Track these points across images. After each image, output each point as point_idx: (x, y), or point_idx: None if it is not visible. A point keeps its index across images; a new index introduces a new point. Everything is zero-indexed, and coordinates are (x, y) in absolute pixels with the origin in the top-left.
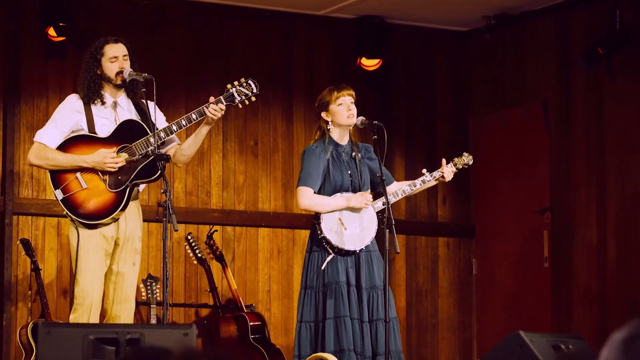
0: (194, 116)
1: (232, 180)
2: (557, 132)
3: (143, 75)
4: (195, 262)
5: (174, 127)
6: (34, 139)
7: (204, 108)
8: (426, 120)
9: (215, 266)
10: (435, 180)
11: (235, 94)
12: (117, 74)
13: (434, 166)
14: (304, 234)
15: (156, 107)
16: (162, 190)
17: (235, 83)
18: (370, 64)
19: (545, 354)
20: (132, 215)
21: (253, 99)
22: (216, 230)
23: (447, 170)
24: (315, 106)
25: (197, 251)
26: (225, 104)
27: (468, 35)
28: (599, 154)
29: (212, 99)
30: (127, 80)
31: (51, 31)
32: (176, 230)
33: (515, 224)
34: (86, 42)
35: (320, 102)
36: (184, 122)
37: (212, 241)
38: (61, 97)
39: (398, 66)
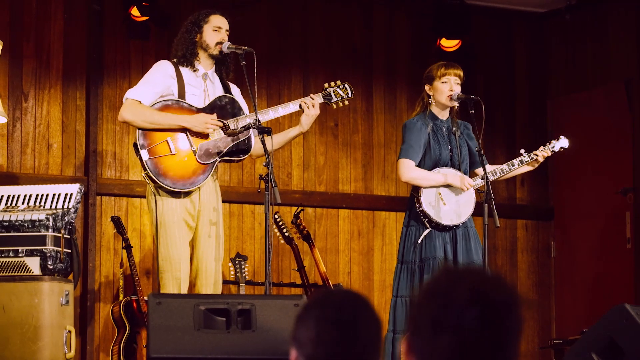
0: (291, 106)
1: (313, 161)
2: None
3: (243, 48)
4: (282, 241)
5: (271, 113)
6: (125, 96)
7: (302, 101)
8: (505, 102)
9: (301, 245)
10: (531, 160)
11: (333, 94)
12: (217, 43)
13: (512, 148)
14: (384, 216)
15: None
16: (264, 164)
17: (333, 84)
18: (450, 44)
19: None
20: (208, 189)
21: (346, 102)
22: (302, 210)
23: (541, 153)
24: (423, 77)
25: (284, 230)
26: (322, 100)
27: (546, 16)
28: None
29: (312, 95)
30: (226, 53)
31: (134, 11)
32: (278, 203)
33: (596, 205)
34: (169, 22)
35: (427, 75)
36: (281, 110)
37: (299, 220)
38: None
39: (476, 47)
